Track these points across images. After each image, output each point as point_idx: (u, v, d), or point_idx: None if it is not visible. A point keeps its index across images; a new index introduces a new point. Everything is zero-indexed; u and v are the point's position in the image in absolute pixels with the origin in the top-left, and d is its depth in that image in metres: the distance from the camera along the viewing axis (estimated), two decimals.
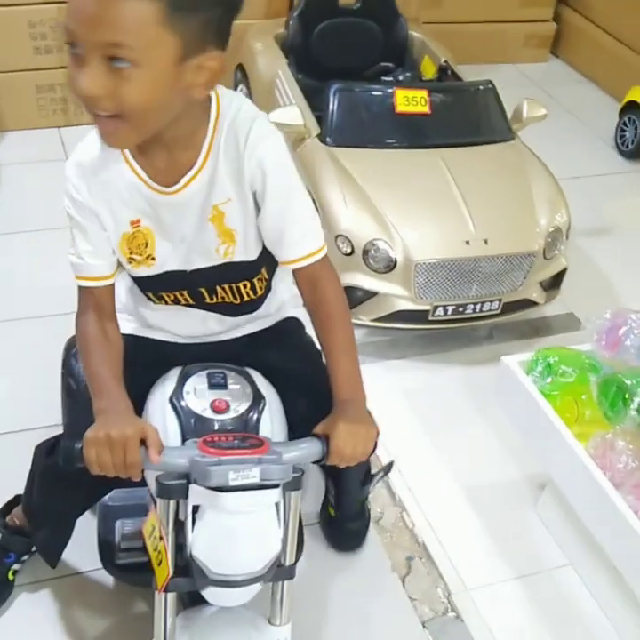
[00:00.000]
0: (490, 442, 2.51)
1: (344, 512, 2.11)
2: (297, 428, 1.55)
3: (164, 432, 1.42)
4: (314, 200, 2.77)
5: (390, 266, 2.67)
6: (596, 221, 3.57)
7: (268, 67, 3.55)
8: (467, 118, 3.12)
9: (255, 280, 1.58)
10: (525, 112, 3.11)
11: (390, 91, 2.99)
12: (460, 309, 2.73)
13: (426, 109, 2.97)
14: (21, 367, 2.58)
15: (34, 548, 1.93)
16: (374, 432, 1.42)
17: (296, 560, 1.47)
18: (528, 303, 2.86)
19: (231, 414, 1.48)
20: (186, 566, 1.36)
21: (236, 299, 1.60)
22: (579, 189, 3.34)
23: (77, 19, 1.17)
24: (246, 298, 1.60)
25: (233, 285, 1.57)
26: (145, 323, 1.70)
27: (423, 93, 2.99)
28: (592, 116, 4.42)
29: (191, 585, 1.39)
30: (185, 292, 1.58)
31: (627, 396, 2.03)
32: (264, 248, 1.52)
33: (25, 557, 1.96)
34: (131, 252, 1.50)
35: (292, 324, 1.77)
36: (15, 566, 1.95)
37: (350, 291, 2.64)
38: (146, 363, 1.59)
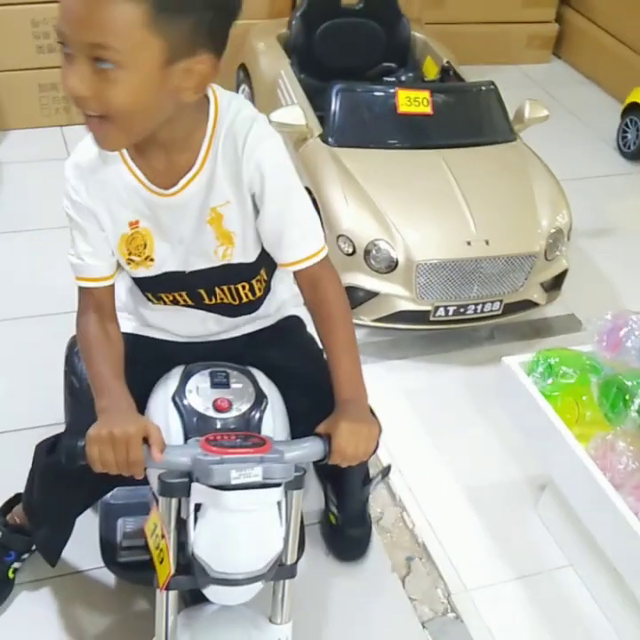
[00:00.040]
0: (490, 442, 2.51)
1: (346, 514, 2.10)
2: (299, 426, 1.55)
3: (166, 430, 1.43)
4: (315, 200, 2.78)
5: (391, 266, 2.67)
6: (598, 223, 3.57)
7: (270, 67, 3.56)
8: (469, 119, 3.13)
9: (254, 282, 1.58)
10: (527, 113, 3.12)
11: (392, 91, 2.99)
12: (462, 310, 2.73)
13: (428, 110, 2.98)
14: (22, 366, 2.58)
15: (34, 547, 1.93)
16: (376, 431, 1.42)
17: (297, 559, 1.48)
18: (529, 304, 2.86)
19: (233, 413, 1.48)
20: (187, 564, 1.36)
21: (234, 300, 1.60)
22: (580, 190, 3.34)
23: (66, 19, 1.18)
24: (245, 299, 1.60)
25: (231, 287, 1.57)
26: (145, 322, 1.70)
27: (425, 94, 2.99)
28: (594, 118, 4.42)
29: (193, 583, 1.39)
30: (184, 293, 1.58)
31: (627, 397, 2.03)
32: (263, 250, 1.52)
33: (25, 556, 1.96)
34: (129, 254, 1.50)
35: (292, 323, 1.77)
36: (15, 565, 1.95)
37: (351, 291, 2.65)
38: (147, 361, 1.59)
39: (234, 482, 1.27)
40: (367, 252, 2.67)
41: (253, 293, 1.61)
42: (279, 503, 1.35)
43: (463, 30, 4.50)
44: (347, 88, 3.00)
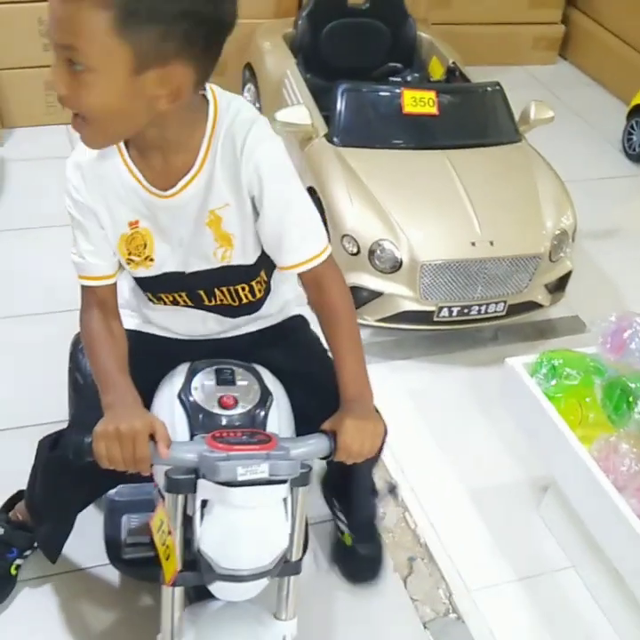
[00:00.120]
0: (493, 443, 2.51)
1: (355, 529, 2.05)
2: (304, 425, 1.55)
3: (172, 427, 1.43)
4: (320, 200, 2.79)
5: (396, 266, 2.67)
6: (603, 224, 3.57)
7: (276, 66, 3.56)
8: (474, 120, 3.13)
9: (254, 283, 1.58)
10: (533, 114, 3.12)
11: (398, 91, 2.99)
12: (465, 311, 2.73)
13: (433, 110, 2.98)
14: (25, 364, 2.59)
15: (36, 544, 1.94)
16: (381, 428, 1.43)
17: (302, 556, 1.48)
18: (533, 305, 2.86)
19: (239, 410, 1.49)
20: (193, 561, 1.37)
21: (234, 301, 1.60)
22: (585, 192, 3.34)
23: (48, 20, 1.21)
24: (245, 300, 1.60)
25: (231, 288, 1.57)
26: (147, 320, 1.71)
27: (431, 94, 2.99)
28: (600, 119, 4.42)
29: (199, 579, 1.40)
30: (183, 294, 1.58)
31: (631, 399, 2.03)
32: (263, 251, 1.51)
33: (28, 552, 1.97)
34: (129, 253, 1.51)
35: (296, 323, 1.77)
36: (18, 561, 1.95)
37: (356, 291, 2.65)
38: (151, 358, 1.59)
39: (240, 478, 1.28)
40: (371, 252, 2.68)
41: (253, 295, 1.61)
42: (285, 500, 1.36)
43: (469, 31, 4.51)
44: (352, 88, 3.01)
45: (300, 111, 2.97)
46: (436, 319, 2.73)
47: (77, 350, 1.78)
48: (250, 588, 1.41)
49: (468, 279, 2.67)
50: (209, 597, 1.47)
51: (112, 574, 1.99)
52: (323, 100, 3.11)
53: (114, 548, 1.84)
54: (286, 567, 1.44)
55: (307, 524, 1.51)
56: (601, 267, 3.32)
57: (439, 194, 2.81)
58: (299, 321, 1.77)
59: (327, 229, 1.57)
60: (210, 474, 1.29)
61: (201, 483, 1.31)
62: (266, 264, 1.55)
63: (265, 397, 1.53)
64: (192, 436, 1.45)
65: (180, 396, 1.52)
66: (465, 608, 2.07)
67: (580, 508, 2.03)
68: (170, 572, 1.37)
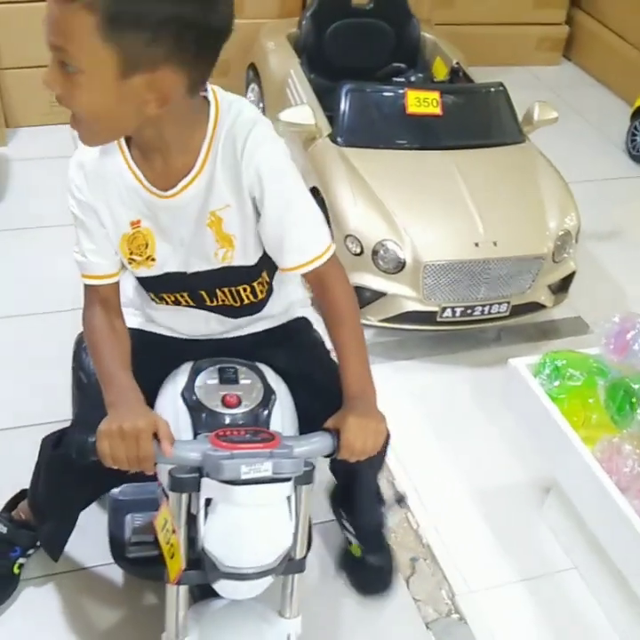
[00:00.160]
0: (496, 444, 2.51)
1: (363, 538, 2.03)
2: (307, 427, 1.55)
3: (175, 426, 1.43)
4: (324, 200, 2.79)
5: (399, 266, 2.67)
6: (606, 225, 3.57)
7: (280, 66, 3.56)
8: (478, 120, 3.13)
9: (255, 284, 1.58)
10: (536, 115, 3.12)
11: (402, 91, 2.99)
12: (469, 311, 2.73)
13: (437, 111, 2.98)
14: (28, 363, 2.59)
15: (39, 542, 1.94)
16: (384, 426, 1.43)
17: (306, 554, 1.49)
18: (536, 306, 2.86)
19: (242, 409, 1.49)
20: (198, 559, 1.37)
21: (236, 302, 1.60)
22: (589, 193, 3.33)
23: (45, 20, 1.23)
24: (246, 301, 1.60)
25: (232, 289, 1.57)
26: (150, 319, 1.71)
27: (435, 95, 2.99)
28: (603, 120, 4.42)
29: (203, 578, 1.40)
30: (185, 294, 1.59)
31: (634, 400, 2.03)
32: (264, 253, 1.51)
33: (30, 551, 1.97)
34: (131, 253, 1.51)
35: (300, 324, 1.77)
36: (21, 560, 1.95)
37: (359, 291, 2.64)
38: (154, 357, 1.60)
39: (244, 477, 1.28)
40: (375, 253, 2.68)
41: (255, 296, 1.60)
42: (289, 498, 1.36)
43: (473, 31, 4.50)
44: (356, 88, 3.01)
45: (304, 111, 2.97)
46: (439, 319, 2.73)
47: (81, 349, 1.78)
48: (254, 587, 1.41)
49: (472, 280, 2.67)
50: (213, 596, 1.48)
51: (116, 573, 1.99)
52: (326, 100, 3.11)
53: (118, 546, 1.84)
54: (290, 565, 1.45)
55: (310, 522, 1.51)
56: (604, 268, 3.32)
57: (442, 194, 2.80)
58: (303, 323, 1.77)
59: (330, 229, 1.57)
60: (214, 472, 1.30)
61: (205, 481, 1.32)
62: (268, 265, 1.54)
63: (268, 396, 1.53)
64: (195, 435, 1.45)
65: (183, 395, 1.52)
66: (467, 609, 2.07)
67: (582, 509, 2.02)
68: (174, 570, 1.38)
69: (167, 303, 1.62)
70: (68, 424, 1.70)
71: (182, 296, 1.59)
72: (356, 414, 1.39)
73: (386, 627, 2.01)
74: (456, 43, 3.79)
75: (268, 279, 1.61)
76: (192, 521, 1.37)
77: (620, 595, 1.98)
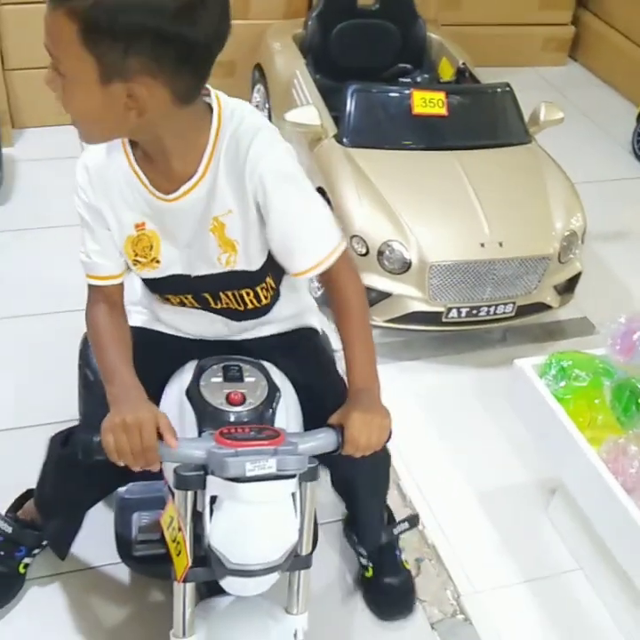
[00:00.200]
0: (502, 444, 2.51)
1: (375, 559, 2.02)
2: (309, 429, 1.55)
3: (180, 424, 1.45)
4: (329, 200, 2.79)
5: (405, 267, 2.67)
6: (612, 226, 3.56)
7: (285, 67, 3.56)
8: (484, 121, 3.13)
9: (258, 289, 1.58)
10: (543, 115, 3.11)
11: (408, 92, 2.99)
12: (474, 312, 2.73)
13: (443, 111, 2.97)
14: (34, 363, 2.59)
15: (45, 542, 1.94)
16: (388, 421, 1.42)
17: (312, 550, 1.49)
18: (542, 307, 2.86)
19: (247, 406, 1.50)
20: (204, 556, 1.38)
21: (239, 305, 1.60)
22: (595, 194, 3.32)
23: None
24: (250, 305, 1.61)
25: (236, 293, 1.57)
26: (158, 318, 1.72)
27: (441, 95, 2.99)
28: (609, 121, 4.41)
29: (210, 575, 1.41)
30: (189, 296, 1.59)
31: None
32: (269, 258, 1.51)
33: (36, 551, 1.97)
34: (136, 255, 1.52)
35: (308, 334, 1.77)
36: (26, 560, 1.96)
37: None
38: (160, 355, 1.61)
39: (249, 474, 1.29)
40: (380, 253, 2.68)
41: (258, 300, 1.60)
42: (294, 494, 1.37)
43: (479, 32, 4.50)
44: (362, 89, 3.01)
45: (310, 112, 2.97)
46: (444, 320, 2.73)
47: (87, 347, 1.78)
48: (261, 583, 1.42)
49: (477, 280, 2.67)
50: (220, 593, 1.49)
51: (123, 572, 2.00)
52: (332, 101, 3.11)
53: (125, 545, 1.85)
54: (296, 561, 1.45)
55: (316, 518, 1.52)
56: (610, 268, 3.32)
57: (448, 195, 2.80)
58: (311, 333, 1.77)
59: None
60: (218, 470, 1.30)
61: (210, 479, 1.32)
62: (273, 270, 1.54)
63: (272, 393, 1.54)
64: (200, 433, 1.45)
65: (188, 393, 1.53)
66: (472, 609, 2.06)
67: (588, 509, 2.02)
68: (181, 567, 1.39)
69: (172, 304, 1.63)
70: (73, 423, 1.71)
71: (187, 298, 1.59)
72: (361, 409, 1.39)
73: (391, 627, 2.01)
74: (462, 43, 3.79)
75: (273, 284, 1.60)
76: (198, 518, 1.38)
77: (626, 596, 1.98)
